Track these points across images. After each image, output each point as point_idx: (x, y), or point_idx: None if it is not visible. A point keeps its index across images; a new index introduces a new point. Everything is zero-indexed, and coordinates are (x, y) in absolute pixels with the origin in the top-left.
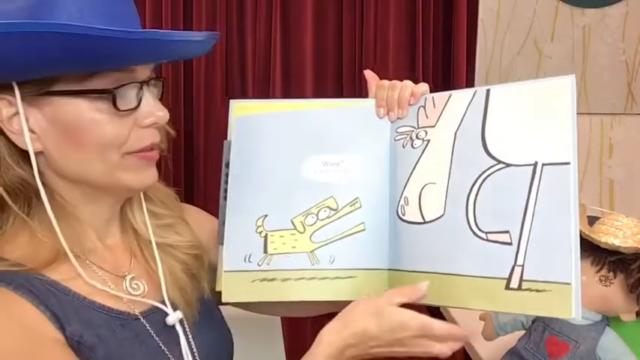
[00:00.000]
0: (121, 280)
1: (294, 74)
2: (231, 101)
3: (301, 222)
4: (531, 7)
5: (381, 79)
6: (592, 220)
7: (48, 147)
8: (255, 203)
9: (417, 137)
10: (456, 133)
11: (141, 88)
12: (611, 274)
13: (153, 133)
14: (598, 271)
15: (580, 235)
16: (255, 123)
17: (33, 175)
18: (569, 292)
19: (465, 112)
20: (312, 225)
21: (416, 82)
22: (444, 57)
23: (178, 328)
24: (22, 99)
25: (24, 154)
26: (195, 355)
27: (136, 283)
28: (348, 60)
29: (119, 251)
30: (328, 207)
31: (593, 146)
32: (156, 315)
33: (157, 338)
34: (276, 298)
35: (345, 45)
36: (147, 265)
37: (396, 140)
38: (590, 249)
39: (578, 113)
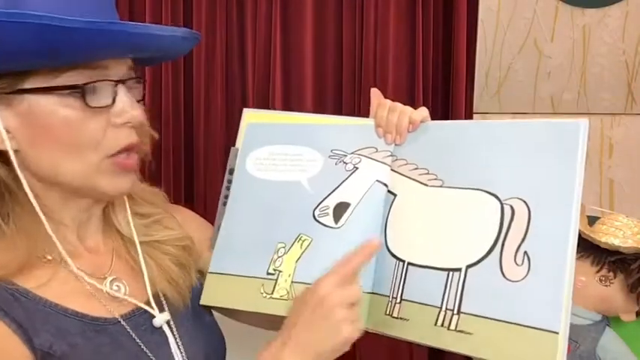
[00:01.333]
0: (101, 282)
1: (294, 74)
2: (244, 110)
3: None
4: (531, 7)
5: (381, 78)
6: (592, 220)
7: (22, 145)
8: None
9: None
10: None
11: (115, 86)
12: (611, 274)
13: (129, 133)
14: (598, 271)
15: (580, 235)
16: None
17: (7, 173)
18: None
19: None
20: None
21: (416, 82)
22: (444, 57)
23: (166, 328)
24: None
25: None
26: (184, 355)
27: (117, 285)
28: (348, 59)
29: (100, 253)
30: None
31: (592, 146)
32: (138, 317)
33: (138, 341)
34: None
35: (345, 44)
36: (133, 264)
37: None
38: (590, 249)
39: (578, 113)
